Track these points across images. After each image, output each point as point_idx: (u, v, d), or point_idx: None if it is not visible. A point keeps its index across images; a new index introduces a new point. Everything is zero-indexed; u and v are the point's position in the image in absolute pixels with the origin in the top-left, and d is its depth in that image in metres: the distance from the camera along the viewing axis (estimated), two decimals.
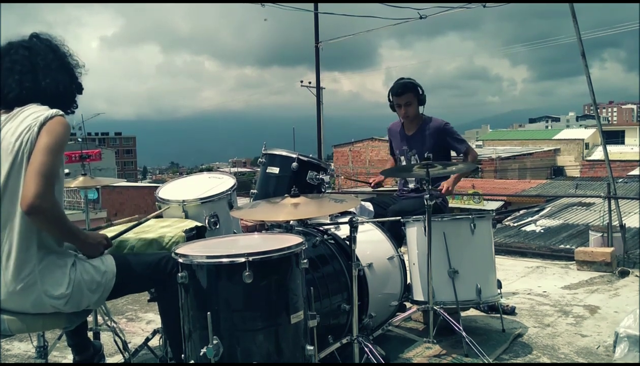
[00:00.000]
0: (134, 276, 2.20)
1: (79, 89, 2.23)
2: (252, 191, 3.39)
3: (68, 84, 2.16)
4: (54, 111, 2.01)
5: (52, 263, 1.98)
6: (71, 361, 2.65)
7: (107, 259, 2.15)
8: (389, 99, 3.91)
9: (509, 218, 16.06)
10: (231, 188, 2.98)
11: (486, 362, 2.86)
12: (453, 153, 4.02)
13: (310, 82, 17.39)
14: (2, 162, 1.94)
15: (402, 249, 3.37)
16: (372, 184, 4.02)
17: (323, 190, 3.20)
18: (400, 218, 3.31)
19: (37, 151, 1.91)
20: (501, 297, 3.33)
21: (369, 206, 3.65)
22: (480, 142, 47.01)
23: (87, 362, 2.58)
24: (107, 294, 2.11)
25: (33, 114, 1.99)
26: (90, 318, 2.92)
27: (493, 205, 19.60)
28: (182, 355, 2.08)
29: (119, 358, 2.97)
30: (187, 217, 2.81)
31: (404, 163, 3.94)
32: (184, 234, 2.48)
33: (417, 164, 3.22)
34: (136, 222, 2.53)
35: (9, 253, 1.93)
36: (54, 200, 1.91)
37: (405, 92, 3.82)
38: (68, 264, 2.01)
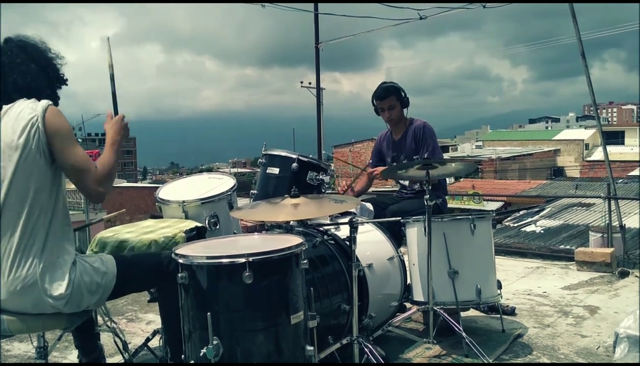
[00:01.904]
0: (134, 276, 2.20)
1: (60, 81, 2.19)
2: (252, 191, 3.38)
3: (37, 74, 2.10)
4: (44, 101, 2.00)
5: (53, 264, 1.98)
6: (71, 361, 2.65)
7: (107, 260, 2.15)
8: (373, 104, 3.94)
9: (508, 218, 16.04)
10: (231, 188, 2.98)
11: (486, 362, 2.86)
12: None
13: (310, 83, 17.36)
14: (5, 163, 1.94)
15: (402, 249, 3.37)
16: (368, 172, 3.99)
17: (323, 191, 3.20)
18: (400, 218, 3.32)
19: (63, 149, 1.97)
20: (501, 297, 3.33)
21: (369, 206, 3.65)
22: (480, 143, 47.02)
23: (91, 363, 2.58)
24: (107, 295, 2.11)
25: (24, 109, 1.97)
26: None
27: (493, 205, 19.60)
28: (182, 356, 2.08)
29: (119, 359, 2.97)
30: (187, 217, 2.81)
31: None
32: (184, 234, 2.48)
33: (416, 163, 3.22)
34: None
35: (10, 252, 1.93)
36: (102, 180, 2.05)
37: (388, 96, 3.86)
38: (68, 264, 2.01)
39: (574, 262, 5.21)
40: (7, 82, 2.05)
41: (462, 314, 3.23)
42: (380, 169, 3.92)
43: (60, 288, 1.97)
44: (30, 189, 1.95)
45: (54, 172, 2.01)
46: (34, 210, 1.95)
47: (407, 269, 3.29)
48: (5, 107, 2.02)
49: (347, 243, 2.64)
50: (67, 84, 2.21)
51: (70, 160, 1.99)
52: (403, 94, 3.86)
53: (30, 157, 1.94)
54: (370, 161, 4.16)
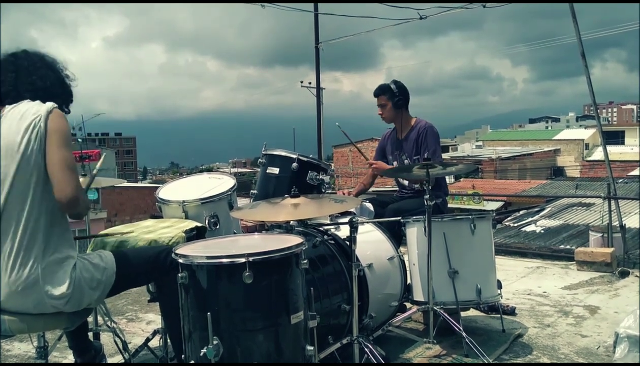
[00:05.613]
0: (133, 271, 2.21)
1: (69, 96, 2.25)
2: (252, 191, 3.38)
3: (55, 81, 2.17)
4: (49, 103, 2.02)
5: (54, 263, 1.98)
6: (71, 362, 2.65)
7: (106, 256, 2.16)
8: None
9: (509, 218, 16.04)
10: (231, 188, 2.98)
11: (486, 362, 2.86)
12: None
13: (310, 83, 17.36)
14: (8, 162, 1.94)
15: (402, 249, 3.37)
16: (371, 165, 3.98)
17: (323, 190, 3.20)
18: (400, 218, 3.32)
19: (55, 147, 1.96)
20: (501, 297, 3.33)
21: (369, 206, 3.65)
22: (480, 143, 47.01)
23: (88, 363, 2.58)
24: (108, 291, 2.12)
25: (29, 110, 1.99)
26: (90, 319, 2.92)
27: (493, 205, 19.60)
28: (182, 355, 2.09)
29: (119, 359, 2.97)
30: (187, 217, 2.81)
31: None
32: (184, 234, 2.48)
33: (417, 164, 3.22)
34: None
35: (11, 252, 1.93)
36: (82, 188, 2.06)
37: (380, 95, 3.91)
38: (70, 264, 2.01)
39: (574, 262, 5.21)
40: (23, 82, 2.08)
41: (462, 314, 3.23)
42: (380, 163, 3.93)
43: (61, 287, 1.97)
44: (31, 190, 1.95)
45: None
46: (35, 211, 1.96)
47: (407, 269, 3.29)
48: (8, 107, 2.03)
49: (347, 242, 2.64)
50: (71, 101, 2.26)
51: (62, 155, 1.97)
52: (395, 93, 3.83)
53: (31, 158, 1.94)
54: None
